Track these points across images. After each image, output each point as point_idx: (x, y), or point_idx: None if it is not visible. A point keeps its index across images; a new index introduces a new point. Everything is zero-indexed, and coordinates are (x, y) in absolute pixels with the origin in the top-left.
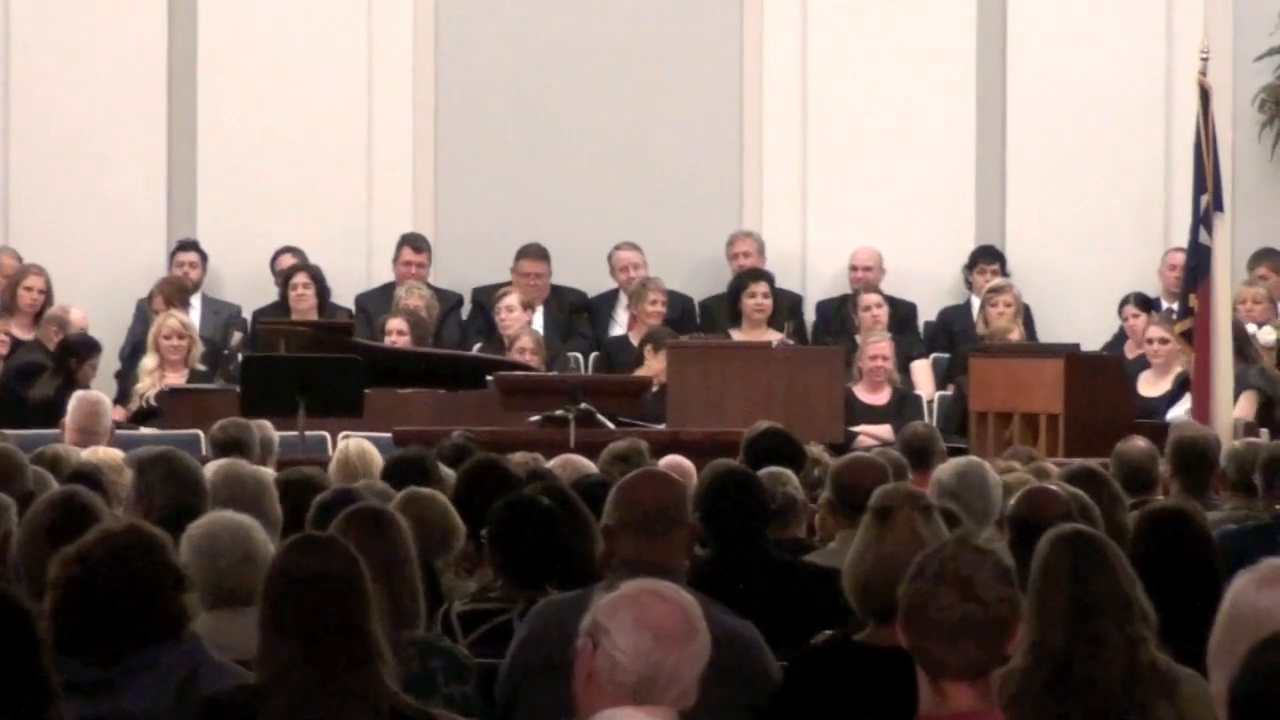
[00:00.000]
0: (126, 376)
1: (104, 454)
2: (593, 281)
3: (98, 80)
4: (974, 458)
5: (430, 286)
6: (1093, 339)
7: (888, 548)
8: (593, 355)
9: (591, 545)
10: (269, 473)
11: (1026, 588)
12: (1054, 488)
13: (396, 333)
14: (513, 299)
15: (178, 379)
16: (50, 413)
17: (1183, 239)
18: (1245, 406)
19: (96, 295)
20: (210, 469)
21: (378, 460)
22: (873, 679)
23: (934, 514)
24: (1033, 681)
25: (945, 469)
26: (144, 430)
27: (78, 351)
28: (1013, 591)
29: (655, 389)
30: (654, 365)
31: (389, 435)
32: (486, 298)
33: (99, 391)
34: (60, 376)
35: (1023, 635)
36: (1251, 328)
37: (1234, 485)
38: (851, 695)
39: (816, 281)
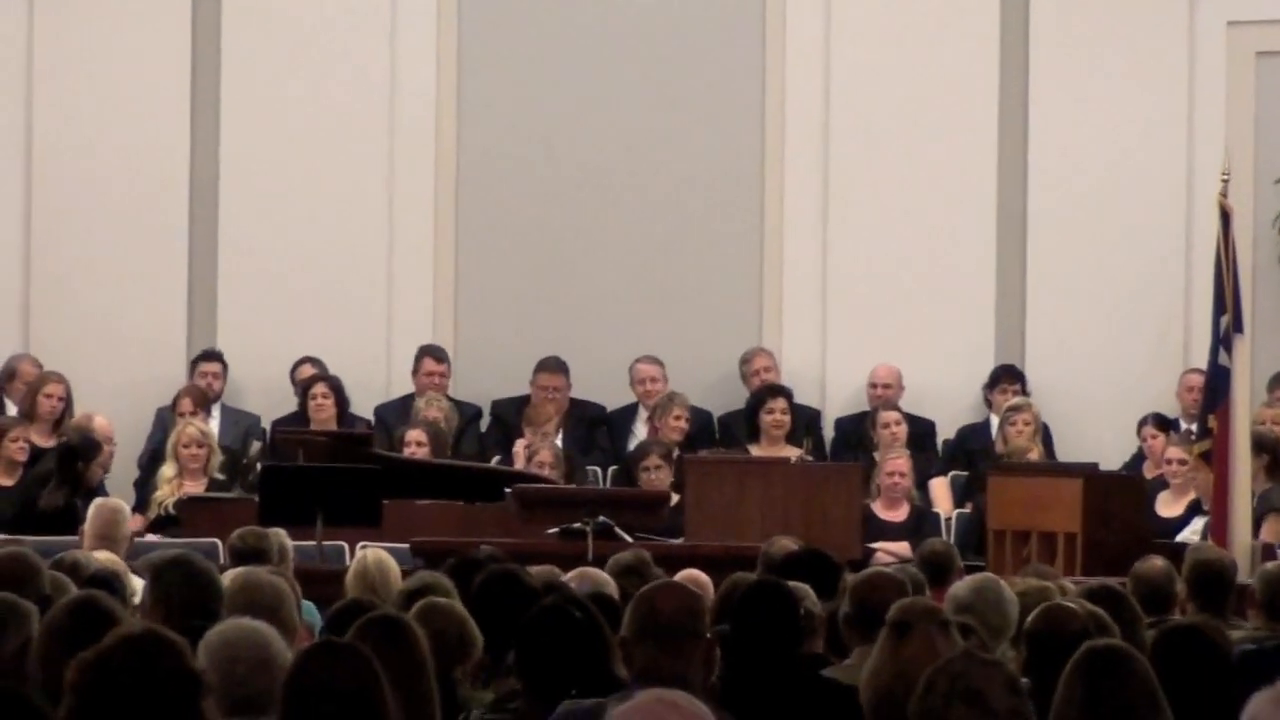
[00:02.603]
0: (145, 485)
1: (110, 563)
2: (612, 395)
3: (120, 190)
4: (990, 574)
5: (449, 398)
6: (1111, 459)
7: (905, 662)
8: (611, 469)
9: (609, 657)
10: (286, 580)
11: (1043, 703)
12: (1071, 604)
13: (416, 443)
14: (550, 426)
15: (196, 488)
16: (63, 519)
17: (1202, 360)
18: (1272, 529)
19: (116, 403)
20: (228, 577)
21: (395, 571)
22: None
23: (951, 629)
24: None
25: (961, 586)
26: (161, 538)
27: (81, 454)
28: (1023, 703)
29: (674, 503)
30: (660, 479)
31: (407, 546)
32: (505, 410)
33: (118, 499)
34: (67, 482)
35: None
36: None
37: (1261, 606)
38: None
39: (835, 398)
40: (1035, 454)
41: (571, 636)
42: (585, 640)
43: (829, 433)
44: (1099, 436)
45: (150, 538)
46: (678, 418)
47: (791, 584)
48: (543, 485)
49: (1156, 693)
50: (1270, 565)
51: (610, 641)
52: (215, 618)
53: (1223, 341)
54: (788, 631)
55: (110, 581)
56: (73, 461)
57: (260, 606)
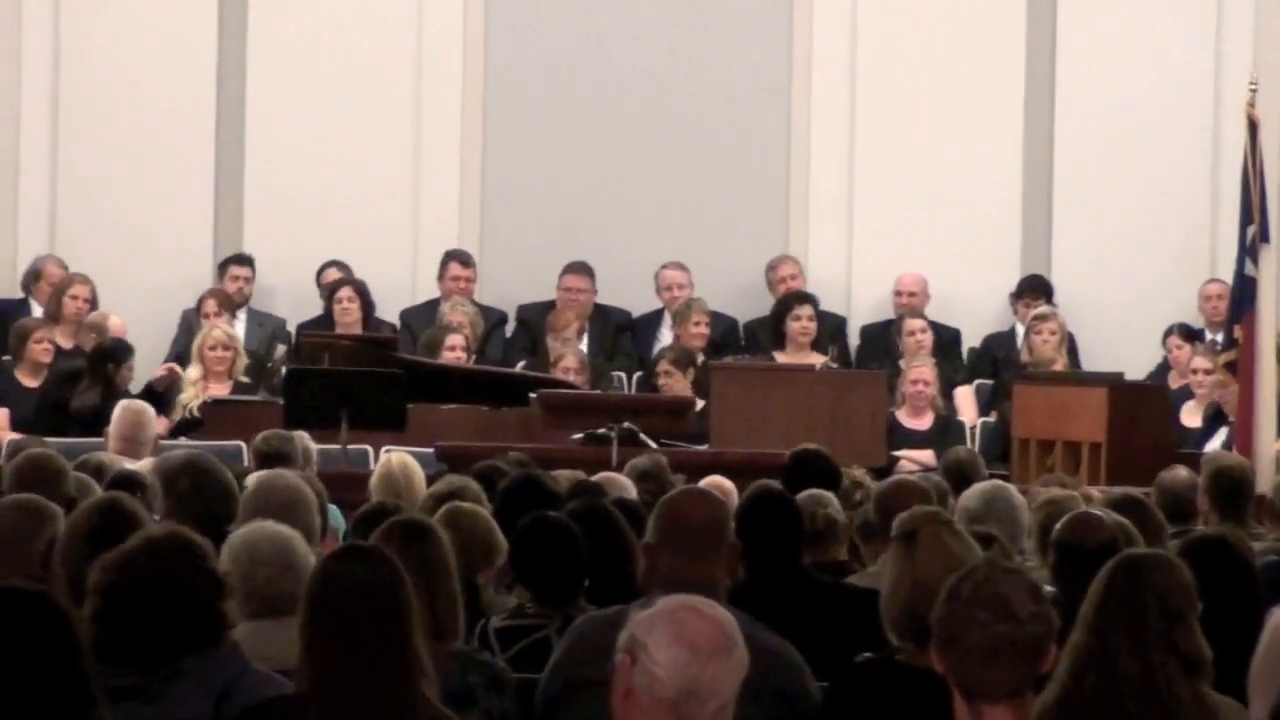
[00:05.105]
0: (170, 387)
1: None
2: (638, 301)
3: (147, 92)
4: (997, 483)
5: (475, 303)
6: (1137, 369)
7: (920, 570)
8: (636, 375)
9: (630, 562)
10: (307, 482)
11: (1069, 611)
12: (1098, 513)
13: (460, 349)
14: (574, 331)
15: (221, 390)
16: (92, 421)
17: (1228, 270)
18: None
19: (141, 306)
20: (251, 480)
21: (420, 475)
22: (914, 700)
23: (959, 530)
24: (1058, 691)
25: (970, 497)
26: (186, 441)
27: (113, 356)
28: (1046, 609)
29: (698, 409)
30: (671, 384)
31: (431, 450)
32: (531, 315)
33: (143, 401)
34: (99, 383)
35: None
36: None
37: (1279, 516)
38: (893, 716)
39: (861, 305)
40: (1060, 363)
41: (558, 545)
42: (576, 547)
43: (854, 340)
44: (1124, 346)
45: (179, 440)
46: (697, 323)
47: (815, 491)
48: (567, 391)
49: (1168, 607)
50: None
51: (630, 545)
52: (229, 520)
53: (1249, 251)
54: (787, 538)
55: (134, 483)
56: (105, 364)
57: (280, 508)
